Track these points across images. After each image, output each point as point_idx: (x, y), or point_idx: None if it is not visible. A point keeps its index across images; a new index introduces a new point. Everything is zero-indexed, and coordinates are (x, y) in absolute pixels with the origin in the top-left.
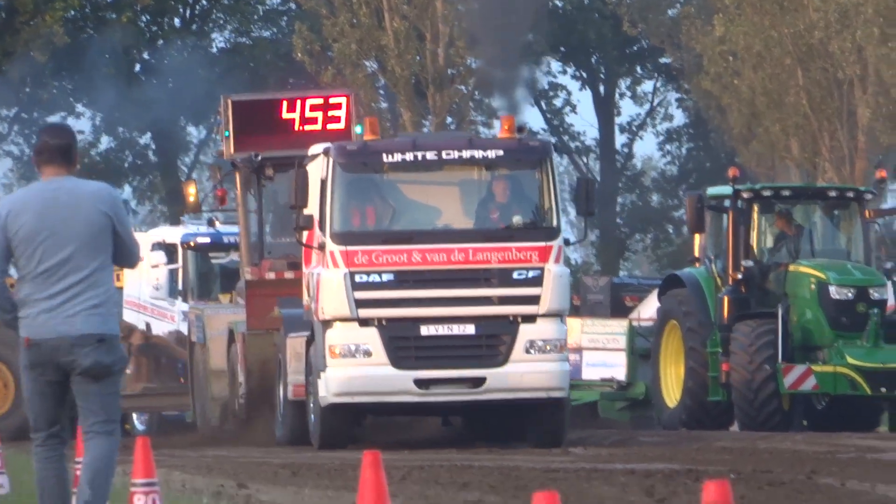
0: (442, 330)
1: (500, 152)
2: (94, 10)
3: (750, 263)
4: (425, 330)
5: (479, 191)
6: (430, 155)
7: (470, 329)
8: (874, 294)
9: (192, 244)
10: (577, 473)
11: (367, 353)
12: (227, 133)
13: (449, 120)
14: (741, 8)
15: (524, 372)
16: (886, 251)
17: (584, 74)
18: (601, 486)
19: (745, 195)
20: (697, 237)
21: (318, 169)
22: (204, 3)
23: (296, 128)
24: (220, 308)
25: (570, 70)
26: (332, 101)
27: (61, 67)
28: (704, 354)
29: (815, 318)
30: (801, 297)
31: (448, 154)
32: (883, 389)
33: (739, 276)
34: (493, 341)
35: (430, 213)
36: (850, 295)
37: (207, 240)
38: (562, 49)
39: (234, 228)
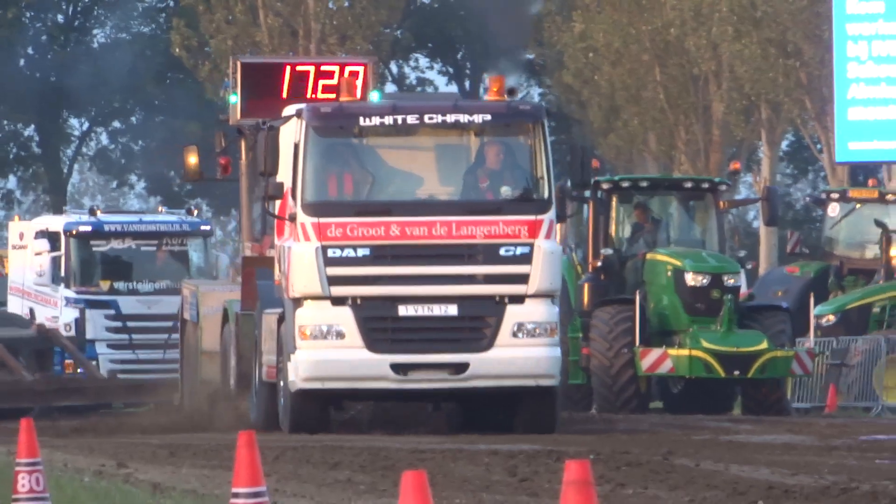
0: (422, 310)
1: (488, 116)
2: None
3: (609, 252)
4: (403, 310)
5: (464, 158)
6: (412, 119)
7: (452, 310)
8: (728, 281)
9: (74, 232)
10: (443, 454)
11: (340, 335)
12: (234, 97)
13: None
14: (601, 6)
15: (511, 357)
16: (739, 240)
17: (451, 70)
18: (466, 465)
19: (604, 186)
20: (559, 227)
21: (290, 133)
22: (86, 0)
23: (308, 95)
24: (215, 285)
25: (437, 66)
26: (348, 67)
27: None
28: (565, 340)
29: (672, 303)
30: (657, 283)
31: (431, 118)
32: (736, 372)
33: (599, 264)
34: (477, 323)
35: (411, 182)
36: (704, 282)
37: (89, 228)
38: (429, 45)
39: (116, 217)
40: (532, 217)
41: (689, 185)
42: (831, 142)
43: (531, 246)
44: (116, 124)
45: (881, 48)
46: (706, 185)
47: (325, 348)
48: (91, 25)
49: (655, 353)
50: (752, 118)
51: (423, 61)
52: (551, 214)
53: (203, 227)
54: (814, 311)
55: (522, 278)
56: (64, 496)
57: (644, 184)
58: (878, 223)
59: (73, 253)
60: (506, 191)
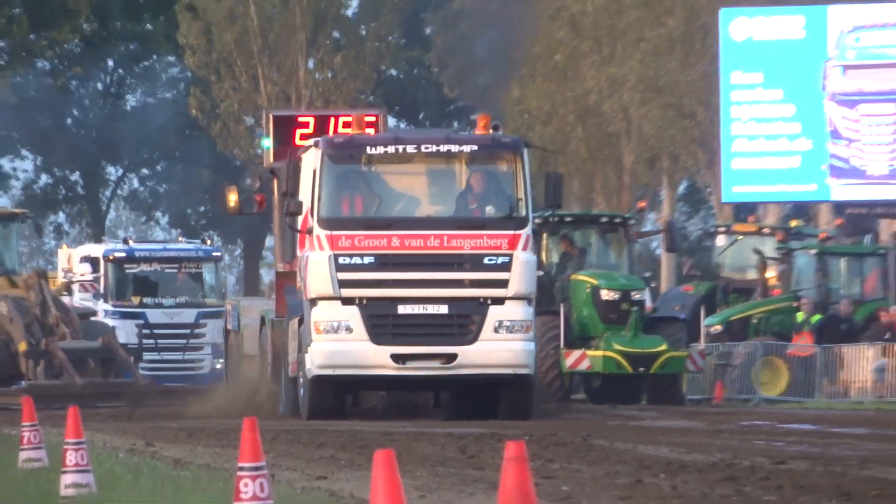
0: (418, 309)
1: (475, 147)
2: (35, 75)
3: (540, 273)
4: (402, 309)
5: (454, 182)
6: (411, 148)
7: (443, 309)
8: (635, 296)
9: (111, 258)
10: (407, 436)
11: (349, 329)
12: (267, 144)
13: None
14: (534, 77)
15: (492, 349)
16: (644, 264)
17: (414, 128)
18: (426, 445)
19: (536, 221)
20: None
21: (309, 160)
22: (121, 71)
23: None
24: (254, 300)
25: (402, 124)
26: (364, 118)
27: (7, 119)
28: None
29: (590, 314)
30: (579, 298)
31: (427, 147)
32: (641, 369)
33: None
34: (464, 321)
35: (410, 201)
36: (616, 297)
37: (123, 254)
38: (396, 108)
39: (144, 245)
40: (512, 232)
41: (605, 220)
42: (718, 186)
43: (511, 256)
44: (145, 171)
45: (759, 111)
46: (619, 220)
47: (336, 341)
48: (125, 92)
49: (576, 353)
50: (655, 167)
51: (392, 121)
52: (528, 230)
53: (214, 254)
54: (704, 321)
55: (503, 283)
56: (103, 469)
57: (569, 219)
58: (756, 251)
59: (110, 274)
60: (490, 210)
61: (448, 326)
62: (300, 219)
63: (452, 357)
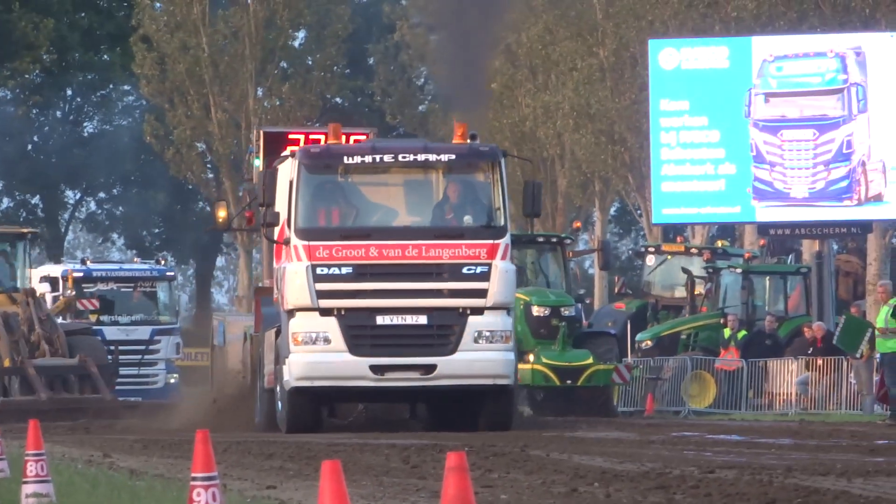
0: (396, 320)
1: (453, 156)
2: None
3: None
4: (381, 319)
5: (432, 192)
6: (388, 157)
7: (423, 319)
8: (564, 312)
9: (69, 277)
10: (353, 447)
11: (327, 341)
12: (258, 160)
13: None
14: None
15: (472, 360)
16: (579, 282)
17: None
18: (371, 456)
19: None
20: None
21: (286, 171)
22: (79, 100)
23: None
24: (240, 316)
25: None
26: (353, 136)
27: None
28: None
29: (523, 329)
30: (514, 315)
31: (405, 157)
32: (569, 381)
33: None
34: (443, 331)
35: (387, 211)
36: (546, 312)
37: (81, 274)
38: None
39: (101, 265)
40: (490, 241)
41: (542, 240)
42: (648, 208)
43: (489, 266)
44: (102, 195)
45: (686, 136)
46: (555, 240)
47: (315, 352)
48: (83, 119)
49: None
50: (588, 190)
51: None
52: (507, 239)
53: (168, 273)
54: (636, 337)
55: (482, 293)
56: (62, 479)
57: None
58: (684, 270)
59: (68, 293)
60: (468, 219)
61: (427, 337)
62: (277, 230)
63: (432, 368)
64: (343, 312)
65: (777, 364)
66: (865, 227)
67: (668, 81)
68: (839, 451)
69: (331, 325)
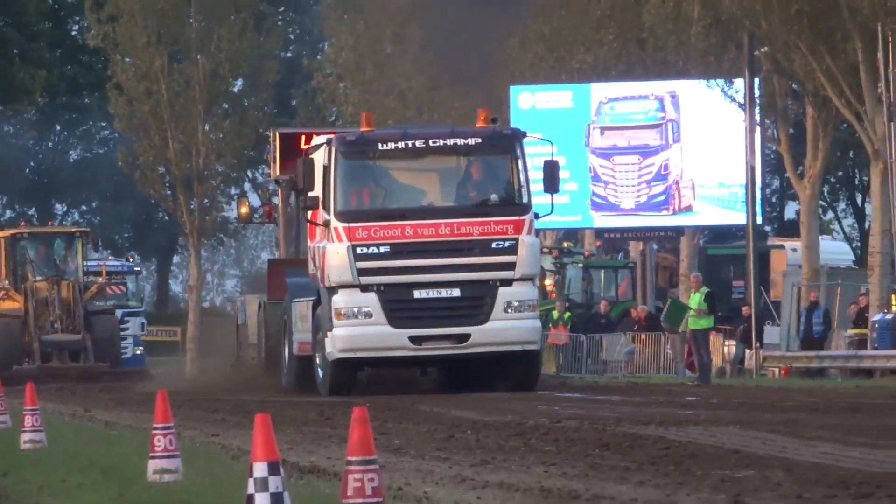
0: (432, 293)
1: (479, 139)
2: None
3: None
4: (418, 294)
5: (460, 173)
6: (419, 143)
7: (456, 292)
8: None
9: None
10: (280, 403)
11: (368, 315)
12: (274, 157)
13: (206, 202)
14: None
15: (503, 328)
16: None
17: None
18: (294, 410)
19: None
20: None
21: (321, 157)
22: (66, 133)
23: None
24: (257, 296)
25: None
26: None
27: None
28: None
29: None
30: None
31: (435, 141)
32: None
33: None
34: (476, 302)
35: (419, 193)
36: None
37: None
38: None
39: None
40: (516, 217)
41: None
42: None
43: (516, 240)
44: (84, 207)
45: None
46: None
47: (357, 325)
48: (69, 149)
49: None
50: None
51: None
52: (530, 215)
53: (135, 269)
54: None
55: (510, 266)
56: (52, 428)
57: None
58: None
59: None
60: (494, 197)
61: (461, 308)
62: (312, 213)
63: (466, 337)
64: (382, 288)
65: (609, 338)
66: (679, 231)
67: (525, 118)
68: (658, 406)
69: (371, 301)
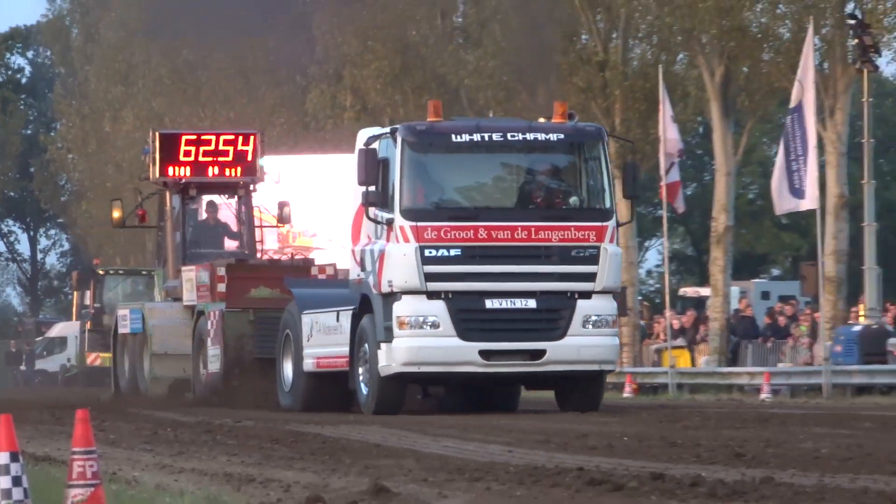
0: (506, 304)
1: (561, 135)
2: None
3: None
4: (490, 303)
5: (538, 171)
6: (496, 136)
7: (531, 303)
8: None
9: None
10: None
11: (435, 325)
12: (153, 159)
13: None
14: None
15: (581, 345)
16: None
17: None
18: (33, 412)
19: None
20: None
21: (385, 149)
22: None
23: (211, 157)
24: (156, 304)
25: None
26: (242, 136)
27: None
28: None
29: None
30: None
31: (513, 135)
32: None
33: None
34: (552, 315)
35: (493, 191)
36: None
37: None
38: None
39: None
40: (598, 223)
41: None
42: None
43: (598, 249)
44: None
45: None
46: None
47: (422, 336)
48: None
49: None
50: None
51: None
52: (613, 221)
53: None
54: None
55: (591, 276)
56: None
57: None
58: None
59: None
60: (574, 200)
61: (537, 321)
62: (373, 210)
63: (541, 353)
64: (451, 296)
65: None
66: None
67: None
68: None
69: (439, 309)
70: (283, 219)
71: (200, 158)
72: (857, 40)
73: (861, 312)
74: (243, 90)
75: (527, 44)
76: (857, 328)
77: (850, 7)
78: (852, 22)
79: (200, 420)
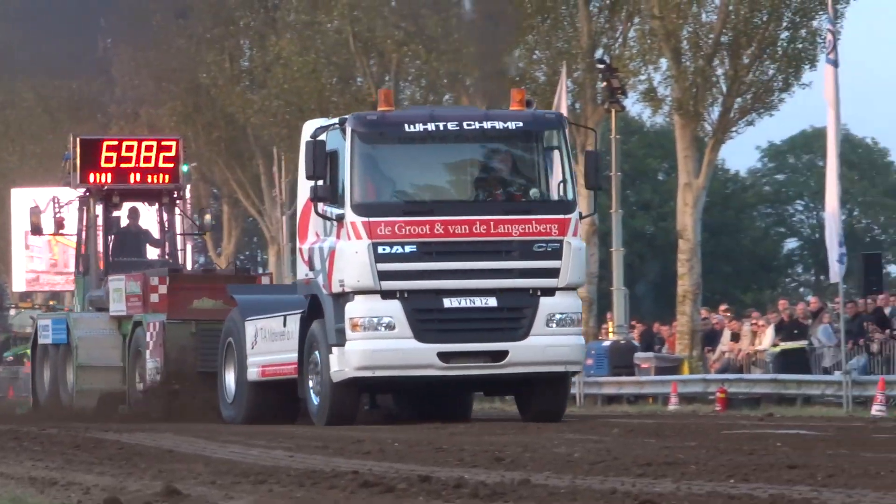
0: (465, 302)
1: (519, 123)
2: None
3: None
4: (448, 302)
5: (496, 162)
6: (451, 125)
7: (492, 302)
8: None
9: None
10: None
11: (390, 326)
12: (74, 165)
13: None
14: None
15: (545, 345)
16: None
17: None
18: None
19: None
20: None
21: (334, 140)
22: None
23: (133, 164)
24: (83, 314)
25: None
26: (164, 143)
27: None
28: None
29: None
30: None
31: (469, 124)
32: None
33: None
34: (514, 314)
35: (449, 184)
36: None
37: None
38: None
39: None
40: (560, 216)
41: None
42: None
43: (561, 243)
44: None
45: None
46: None
47: (377, 339)
48: None
49: None
50: None
51: None
52: (576, 214)
53: None
54: None
55: (554, 272)
56: None
57: None
58: None
59: None
60: (535, 192)
61: (498, 321)
62: (321, 205)
63: (503, 354)
64: (406, 295)
65: None
66: None
67: None
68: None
69: (394, 310)
70: (204, 227)
71: (122, 165)
72: (605, 83)
73: (610, 329)
74: (48, 127)
75: (307, 85)
76: (606, 343)
77: (599, 53)
78: (601, 66)
79: (9, 428)
